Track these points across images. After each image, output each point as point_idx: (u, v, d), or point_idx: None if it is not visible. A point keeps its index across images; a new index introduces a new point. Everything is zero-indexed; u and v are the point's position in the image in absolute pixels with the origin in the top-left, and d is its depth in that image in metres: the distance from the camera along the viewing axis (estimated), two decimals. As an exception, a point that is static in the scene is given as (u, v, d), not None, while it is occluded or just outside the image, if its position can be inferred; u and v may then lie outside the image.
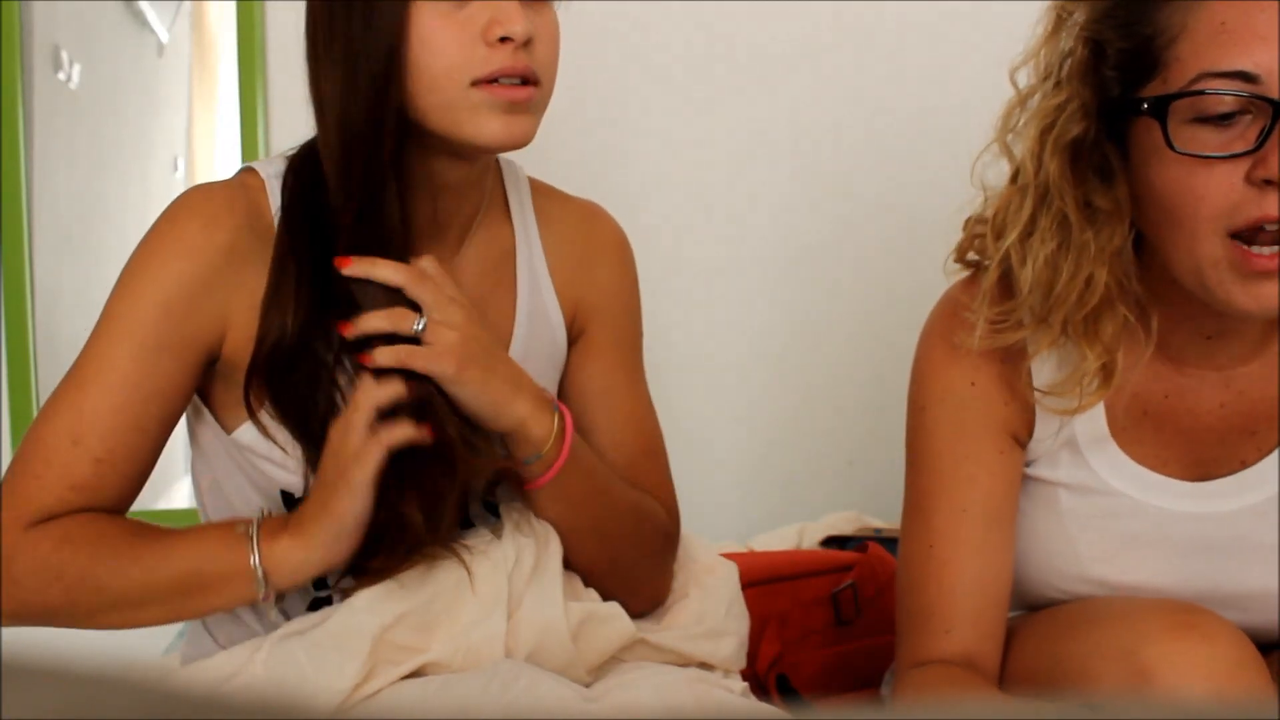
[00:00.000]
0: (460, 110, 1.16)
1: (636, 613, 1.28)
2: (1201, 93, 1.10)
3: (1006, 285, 1.22)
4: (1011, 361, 1.24)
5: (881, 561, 1.75)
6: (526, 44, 1.17)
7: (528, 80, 1.17)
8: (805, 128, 2.24)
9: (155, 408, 1.17)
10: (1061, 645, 1.21)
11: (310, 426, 1.17)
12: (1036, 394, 1.23)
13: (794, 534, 2.02)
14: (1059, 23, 1.19)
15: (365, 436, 1.13)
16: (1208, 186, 1.11)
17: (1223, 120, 1.10)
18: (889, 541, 1.83)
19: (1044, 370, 1.23)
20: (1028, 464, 1.28)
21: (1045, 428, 1.25)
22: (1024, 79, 1.22)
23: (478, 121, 1.16)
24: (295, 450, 1.18)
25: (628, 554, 1.28)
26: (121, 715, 0.33)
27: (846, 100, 2.24)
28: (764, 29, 2.23)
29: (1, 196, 2.25)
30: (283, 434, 1.18)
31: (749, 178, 2.26)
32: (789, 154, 2.25)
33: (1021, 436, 1.26)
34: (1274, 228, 1.10)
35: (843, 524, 2.02)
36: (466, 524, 1.25)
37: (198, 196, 1.22)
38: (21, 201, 2.25)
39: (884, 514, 2.08)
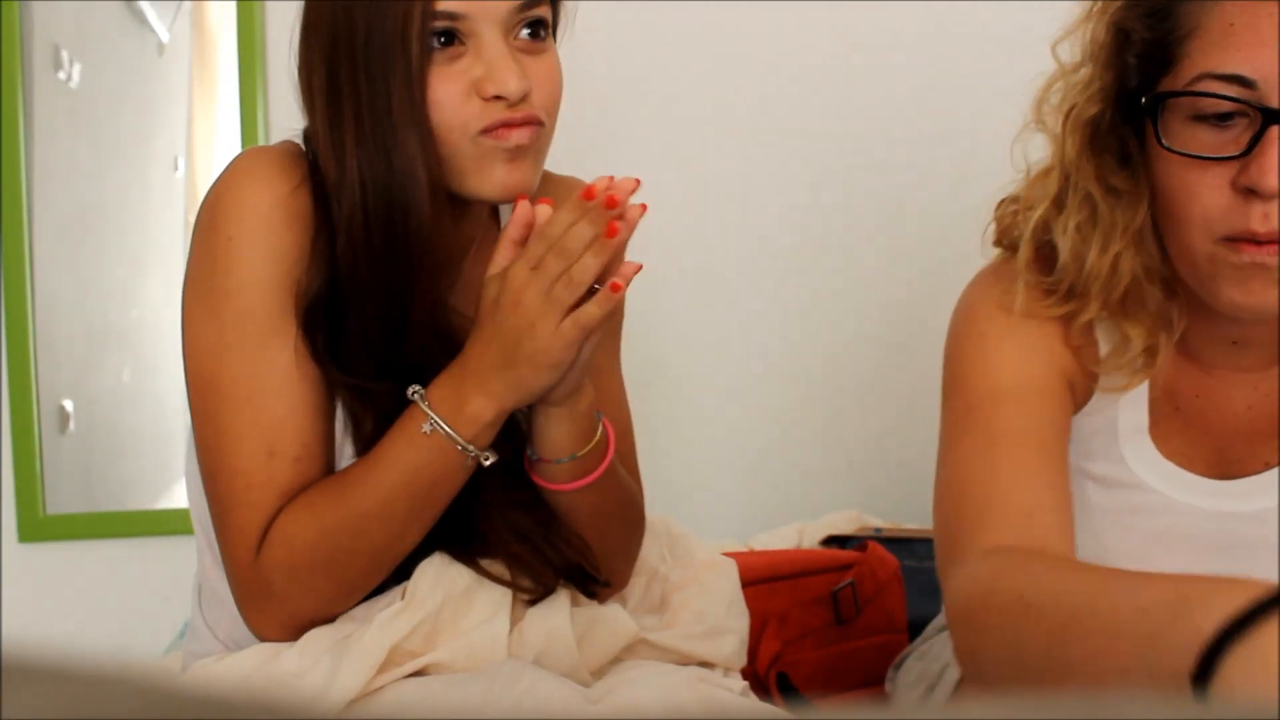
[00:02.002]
0: (466, 160, 1.15)
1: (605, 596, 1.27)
2: (1194, 94, 1.10)
3: (1048, 261, 1.21)
4: (1071, 330, 1.21)
5: (881, 561, 1.75)
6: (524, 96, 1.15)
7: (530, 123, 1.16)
8: (808, 129, 2.25)
9: (322, 386, 1.17)
10: None
11: (380, 350, 1.16)
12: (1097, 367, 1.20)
13: (794, 534, 2.02)
14: (1105, 5, 1.19)
15: (559, 325, 1.09)
16: (1199, 186, 1.11)
17: (1220, 121, 1.10)
18: (889, 541, 1.84)
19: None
20: None
21: (1099, 400, 1.22)
22: (1065, 54, 1.22)
23: (482, 171, 1.16)
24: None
25: (617, 539, 1.28)
26: (121, 715, 0.33)
27: (848, 102, 2.24)
28: (769, 27, 2.23)
29: (1, 196, 2.25)
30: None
31: (751, 178, 2.26)
32: (791, 155, 2.25)
33: (1078, 393, 1.22)
34: (1259, 244, 1.10)
35: (843, 524, 2.02)
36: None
37: (256, 159, 1.23)
38: (21, 201, 2.26)
39: (884, 514, 2.08)
